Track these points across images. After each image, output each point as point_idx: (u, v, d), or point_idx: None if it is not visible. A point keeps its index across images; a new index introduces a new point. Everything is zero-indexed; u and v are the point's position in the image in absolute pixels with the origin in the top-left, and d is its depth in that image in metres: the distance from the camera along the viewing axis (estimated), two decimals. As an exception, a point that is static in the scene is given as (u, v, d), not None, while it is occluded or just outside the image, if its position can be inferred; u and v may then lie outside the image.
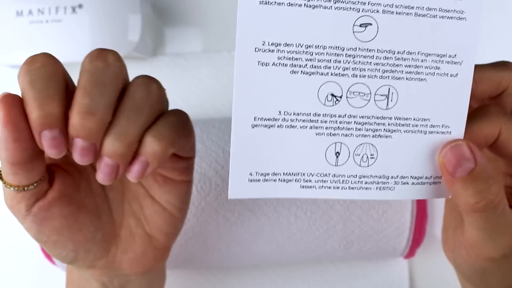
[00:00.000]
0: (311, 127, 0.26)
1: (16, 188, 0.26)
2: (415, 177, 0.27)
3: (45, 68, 0.24)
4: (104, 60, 0.25)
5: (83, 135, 0.24)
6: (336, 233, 0.39)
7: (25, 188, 0.26)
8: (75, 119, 0.24)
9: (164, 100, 0.27)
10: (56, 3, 0.41)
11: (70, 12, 0.41)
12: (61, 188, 0.28)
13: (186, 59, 0.44)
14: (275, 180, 0.26)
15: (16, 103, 0.24)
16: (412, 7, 0.25)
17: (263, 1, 0.24)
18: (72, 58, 0.41)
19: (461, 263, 0.29)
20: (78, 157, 0.25)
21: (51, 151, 0.24)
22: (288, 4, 0.24)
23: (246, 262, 0.41)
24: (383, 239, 0.39)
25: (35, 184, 0.26)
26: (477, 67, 0.27)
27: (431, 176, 0.27)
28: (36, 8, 0.41)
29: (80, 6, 0.40)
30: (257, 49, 0.25)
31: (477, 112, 0.27)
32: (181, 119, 0.27)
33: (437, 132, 0.27)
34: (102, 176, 0.25)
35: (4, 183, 0.26)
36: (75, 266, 0.31)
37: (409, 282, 0.44)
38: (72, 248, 0.29)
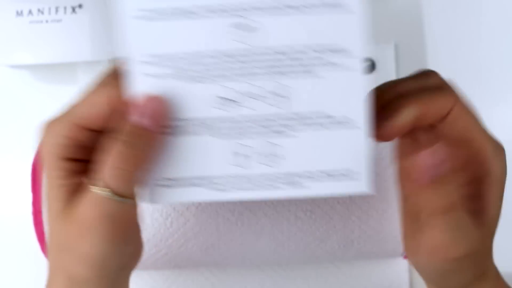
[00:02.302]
0: (212, 132, 0.27)
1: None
2: (325, 172, 0.27)
3: None
4: None
5: None
6: (336, 233, 0.39)
7: None
8: None
9: None
10: (56, 3, 0.41)
11: (70, 12, 0.41)
12: None
13: (186, 59, 0.44)
14: (186, 185, 0.27)
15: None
16: (295, 6, 0.25)
17: (144, 17, 0.25)
18: (72, 58, 0.41)
19: (423, 266, 0.30)
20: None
21: None
22: (169, 18, 0.25)
23: (246, 262, 0.41)
24: (383, 239, 0.39)
25: None
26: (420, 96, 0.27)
27: (342, 170, 0.27)
28: (36, 8, 0.41)
29: (80, 6, 0.40)
30: (144, 62, 0.26)
31: (434, 87, 0.27)
32: None
33: (339, 124, 0.27)
34: None
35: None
36: None
37: (409, 282, 0.44)
38: None
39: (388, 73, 0.45)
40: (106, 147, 0.26)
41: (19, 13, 0.41)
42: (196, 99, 0.26)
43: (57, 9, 0.41)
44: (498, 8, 0.46)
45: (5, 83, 0.45)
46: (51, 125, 0.28)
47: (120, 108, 0.27)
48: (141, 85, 0.26)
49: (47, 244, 0.30)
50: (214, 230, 0.38)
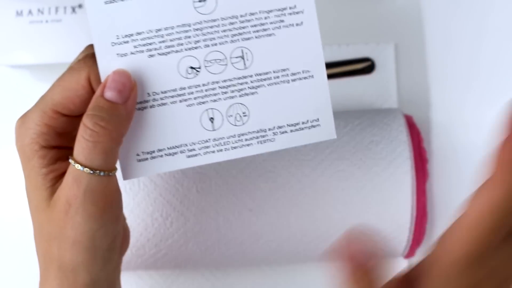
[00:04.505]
0: (180, 101, 0.28)
1: None
2: (292, 124, 0.29)
3: None
4: None
5: None
6: (336, 233, 0.39)
7: None
8: None
9: None
10: (56, 3, 0.41)
11: (70, 12, 0.41)
12: None
13: (186, 59, 0.44)
14: (161, 156, 0.29)
15: None
16: None
17: (108, 1, 0.27)
18: (72, 58, 0.41)
19: None
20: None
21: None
22: None
23: (246, 262, 0.41)
24: (383, 239, 0.39)
25: None
26: None
27: (307, 121, 0.29)
28: (36, 8, 0.41)
29: (80, 6, 0.40)
30: (113, 44, 0.28)
31: None
32: None
33: (300, 78, 0.29)
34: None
35: None
36: None
37: (409, 282, 0.44)
38: None
39: (388, 73, 0.45)
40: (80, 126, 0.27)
41: (19, 13, 0.41)
42: (165, 72, 0.28)
43: (57, 9, 0.41)
44: (498, 8, 0.46)
45: (5, 83, 0.45)
46: (26, 116, 0.29)
47: (95, 89, 0.28)
48: (113, 65, 0.28)
49: (34, 239, 0.30)
50: (214, 230, 0.38)
